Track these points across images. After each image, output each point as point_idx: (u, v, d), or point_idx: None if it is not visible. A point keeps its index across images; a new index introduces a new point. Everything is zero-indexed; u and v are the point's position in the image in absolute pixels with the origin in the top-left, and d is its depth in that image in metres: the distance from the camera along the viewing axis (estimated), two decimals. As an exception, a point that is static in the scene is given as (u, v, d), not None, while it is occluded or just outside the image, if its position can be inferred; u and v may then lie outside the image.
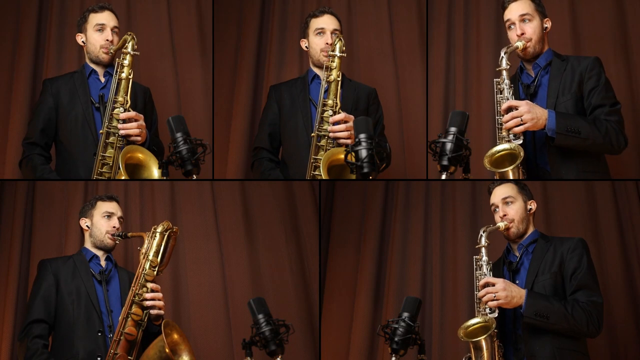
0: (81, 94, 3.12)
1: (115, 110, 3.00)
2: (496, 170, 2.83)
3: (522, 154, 2.79)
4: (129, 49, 3.03)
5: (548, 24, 3.00)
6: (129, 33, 3.06)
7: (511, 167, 2.80)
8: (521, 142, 2.83)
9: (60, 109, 3.11)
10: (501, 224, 2.83)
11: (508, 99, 2.88)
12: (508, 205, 2.86)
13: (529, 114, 2.81)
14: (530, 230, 2.88)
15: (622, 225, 3.47)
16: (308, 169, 3.04)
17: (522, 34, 2.94)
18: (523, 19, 2.95)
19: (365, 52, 3.86)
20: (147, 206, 3.64)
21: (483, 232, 2.81)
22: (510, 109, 2.85)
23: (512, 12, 2.97)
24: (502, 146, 2.85)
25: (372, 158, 2.56)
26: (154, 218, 3.58)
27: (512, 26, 2.97)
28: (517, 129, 2.83)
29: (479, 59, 3.78)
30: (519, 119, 2.82)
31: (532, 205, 2.88)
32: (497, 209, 2.88)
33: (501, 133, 2.88)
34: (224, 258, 3.63)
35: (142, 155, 2.98)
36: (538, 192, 3.50)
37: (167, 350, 2.66)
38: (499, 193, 2.88)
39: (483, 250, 2.79)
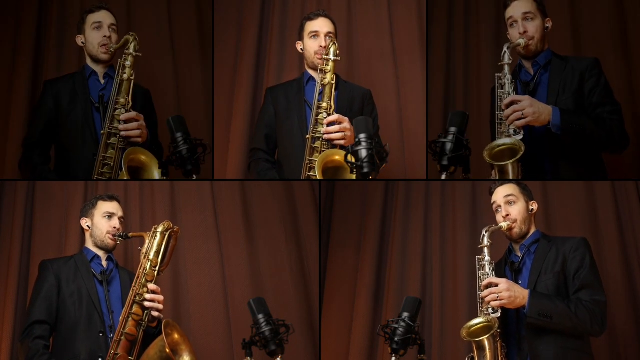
0: (81, 95, 3.12)
1: (117, 112, 3.00)
2: (495, 163, 2.83)
3: (522, 148, 2.79)
4: (131, 50, 3.03)
5: (549, 24, 3.02)
6: (131, 34, 3.06)
7: (511, 161, 2.79)
8: (522, 137, 2.83)
9: (60, 110, 3.12)
10: (504, 224, 2.83)
11: (510, 94, 2.89)
12: (511, 205, 2.85)
13: (531, 108, 2.83)
14: (532, 230, 2.87)
15: (622, 225, 3.47)
16: (303, 170, 3.05)
17: (525, 32, 2.97)
18: (526, 17, 2.98)
19: (365, 52, 3.86)
20: (147, 206, 3.64)
21: (485, 232, 2.80)
22: (512, 104, 2.85)
23: (515, 10, 2.99)
24: (503, 140, 2.86)
25: (372, 158, 2.55)
26: (154, 218, 3.58)
27: (514, 24, 2.99)
28: (518, 123, 2.83)
29: (479, 59, 3.78)
30: (520, 112, 2.83)
31: (534, 206, 2.88)
32: (499, 209, 2.87)
33: (501, 128, 2.88)
34: (224, 258, 3.63)
35: (145, 157, 2.98)
36: (538, 192, 3.50)
37: (167, 350, 2.66)
38: (502, 192, 2.88)
39: (485, 250, 2.78)
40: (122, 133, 2.98)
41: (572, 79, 2.95)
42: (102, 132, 3.01)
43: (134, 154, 2.96)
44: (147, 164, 3.00)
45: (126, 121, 2.99)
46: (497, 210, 2.89)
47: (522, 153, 2.78)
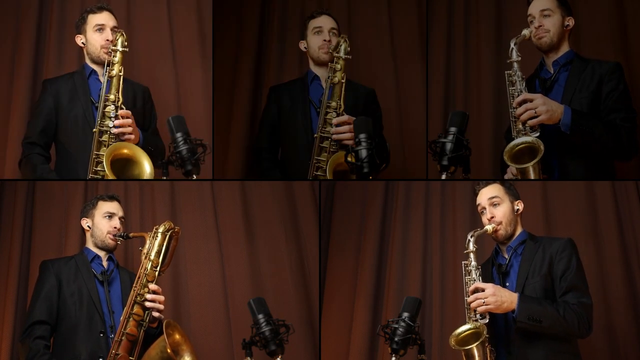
0: (81, 94, 3.12)
1: (107, 109, 3.00)
2: (517, 166, 2.82)
3: (542, 147, 2.79)
4: (119, 46, 3.03)
5: (570, 22, 3.03)
6: (119, 30, 3.06)
7: (532, 163, 2.80)
8: (538, 134, 2.83)
9: (60, 109, 3.11)
10: (489, 227, 2.81)
11: (521, 91, 2.89)
12: (495, 206, 2.83)
13: (544, 106, 2.82)
14: (518, 231, 2.86)
15: (622, 225, 3.47)
16: (310, 169, 3.04)
17: (540, 26, 2.98)
18: (543, 13, 2.99)
19: (365, 52, 3.86)
20: (147, 206, 3.64)
21: (471, 237, 2.78)
22: (524, 102, 2.85)
23: (534, 7, 3.02)
24: (522, 139, 2.85)
25: (372, 158, 2.55)
26: (154, 218, 3.58)
27: (533, 20, 3.01)
28: (531, 122, 2.83)
29: (479, 59, 3.78)
30: (533, 111, 2.82)
31: (519, 206, 2.86)
32: (484, 211, 2.86)
33: (517, 126, 2.88)
34: (224, 258, 3.63)
35: (129, 150, 2.97)
36: (538, 193, 3.50)
37: (168, 351, 2.66)
38: (485, 194, 2.86)
39: (472, 255, 2.78)
40: (113, 130, 2.98)
41: (590, 80, 2.95)
42: (94, 130, 3.00)
43: (116, 150, 2.95)
44: (133, 156, 2.97)
45: (118, 118, 2.98)
46: (482, 212, 2.87)
47: (542, 152, 2.77)
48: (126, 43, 3.03)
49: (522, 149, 2.84)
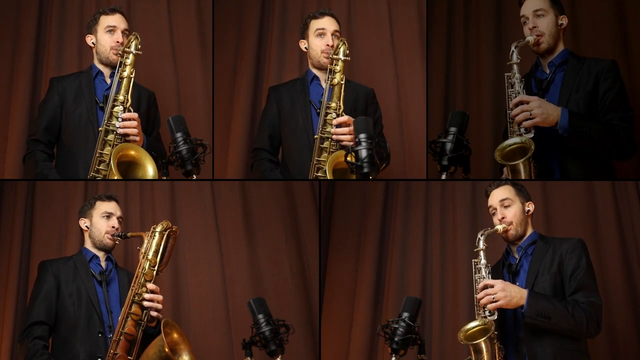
0: (86, 94, 3.12)
1: (115, 109, 3.00)
2: (507, 163, 2.83)
3: (532, 147, 2.78)
4: (132, 49, 3.03)
5: (564, 21, 3.01)
6: (133, 33, 3.07)
7: (522, 160, 2.79)
8: (532, 135, 2.83)
9: (65, 107, 3.11)
10: (499, 227, 2.82)
11: (519, 93, 2.88)
12: (506, 207, 2.84)
13: (539, 108, 2.81)
14: (529, 231, 2.87)
15: (622, 225, 3.47)
16: (311, 170, 3.04)
17: (534, 27, 2.96)
18: (537, 14, 2.97)
19: (365, 52, 3.86)
20: (147, 206, 3.64)
21: (481, 236, 2.79)
22: (520, 103, 2.85)
23: (527, 8, 2.99)
24: (513, 140, 2.85)
25: (372, 158, 2.55)
26: (154, 218, 3.58)
27: (527, 21, 2.99)
28: (526, 123, 2.83)
29: (479, 59, 3.78)
30: (528, 112, 2.82)
31: (530, 207, 2.87)
32: (495, 212, 2.87)
33: (512, 127, 2.88)
34: (224, 258, 3.63)
35: (135, 152, 2.97)
36: (538, 193, 3.50)
37: (166, 350, 2.66)
38: (497, 195, 2.87)
39: (481, 253, 2.78)
40: (120, 131, 2.98)
41: (587, 80, 2.94)
42: (100, 128, 3.01)
43: (123, 150, 2.95)
44: (139, 159, 2.98)
45: (125, 120, 2.99)
46: (493, 213, 2.89)
47: (532, 152, 2.77)
48: (140, 46, 3.04)
49: (515, 149, 2.84)
